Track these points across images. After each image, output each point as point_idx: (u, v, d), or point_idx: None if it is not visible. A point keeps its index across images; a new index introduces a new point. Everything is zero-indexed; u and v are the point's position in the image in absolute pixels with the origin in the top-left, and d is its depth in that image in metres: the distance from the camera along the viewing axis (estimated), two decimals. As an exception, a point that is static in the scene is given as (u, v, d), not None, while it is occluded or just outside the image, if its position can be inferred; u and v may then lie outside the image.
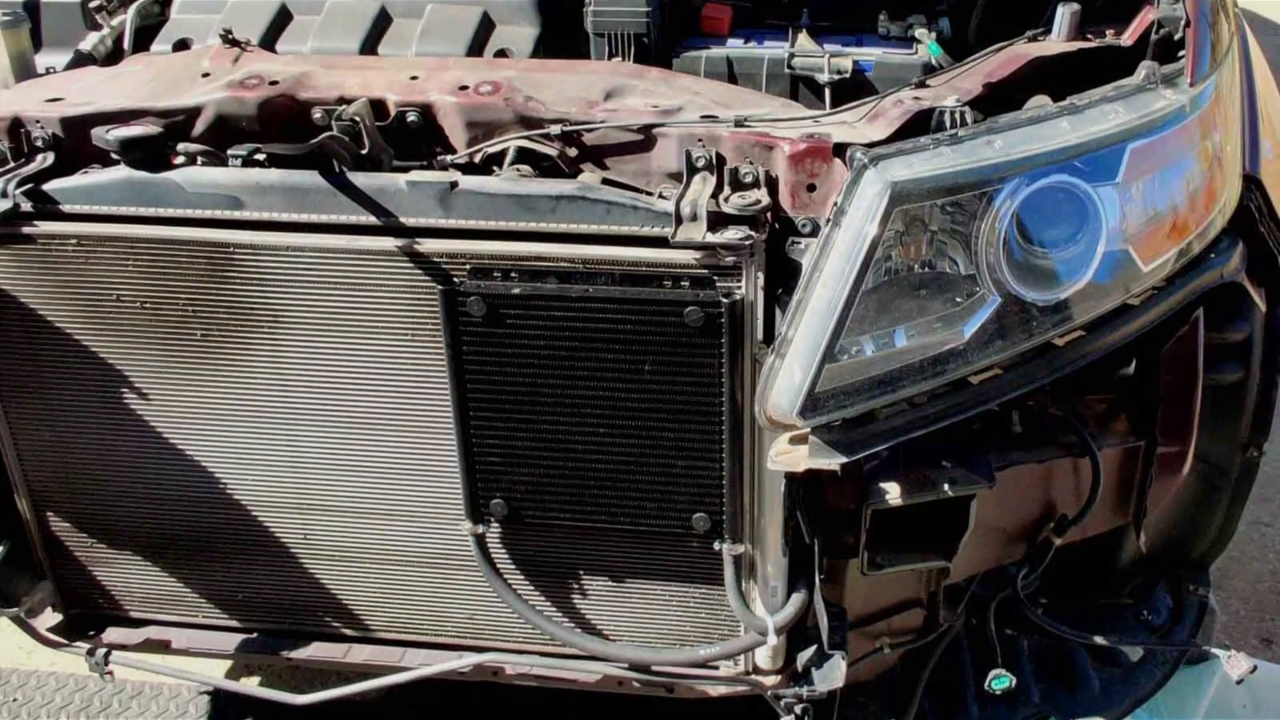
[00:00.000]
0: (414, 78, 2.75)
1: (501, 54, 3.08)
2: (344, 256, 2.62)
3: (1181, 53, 2.68)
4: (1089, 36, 2.89)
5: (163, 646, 3.22)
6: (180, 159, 2.68)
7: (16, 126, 2.74)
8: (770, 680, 2.93)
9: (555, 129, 2.63)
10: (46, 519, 3.10)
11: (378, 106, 2.68)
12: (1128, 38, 2.83)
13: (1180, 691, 3.36)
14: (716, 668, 2.98)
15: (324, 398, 2.80)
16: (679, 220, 2.42)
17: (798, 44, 3.13)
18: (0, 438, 2.98)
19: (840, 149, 2.46)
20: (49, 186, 2.67)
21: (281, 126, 2.72)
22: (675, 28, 3.22)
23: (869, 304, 2.35)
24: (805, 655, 2.88)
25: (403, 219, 2.57)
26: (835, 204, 2.37)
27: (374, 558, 3.02)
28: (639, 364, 2.59)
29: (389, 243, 2.58)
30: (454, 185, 2.54)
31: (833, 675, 2.82)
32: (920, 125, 2.53)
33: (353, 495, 2.92)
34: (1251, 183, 2.83)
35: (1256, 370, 2.93)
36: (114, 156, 2.65)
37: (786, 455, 2.47)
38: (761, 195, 2.45)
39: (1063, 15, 2.87)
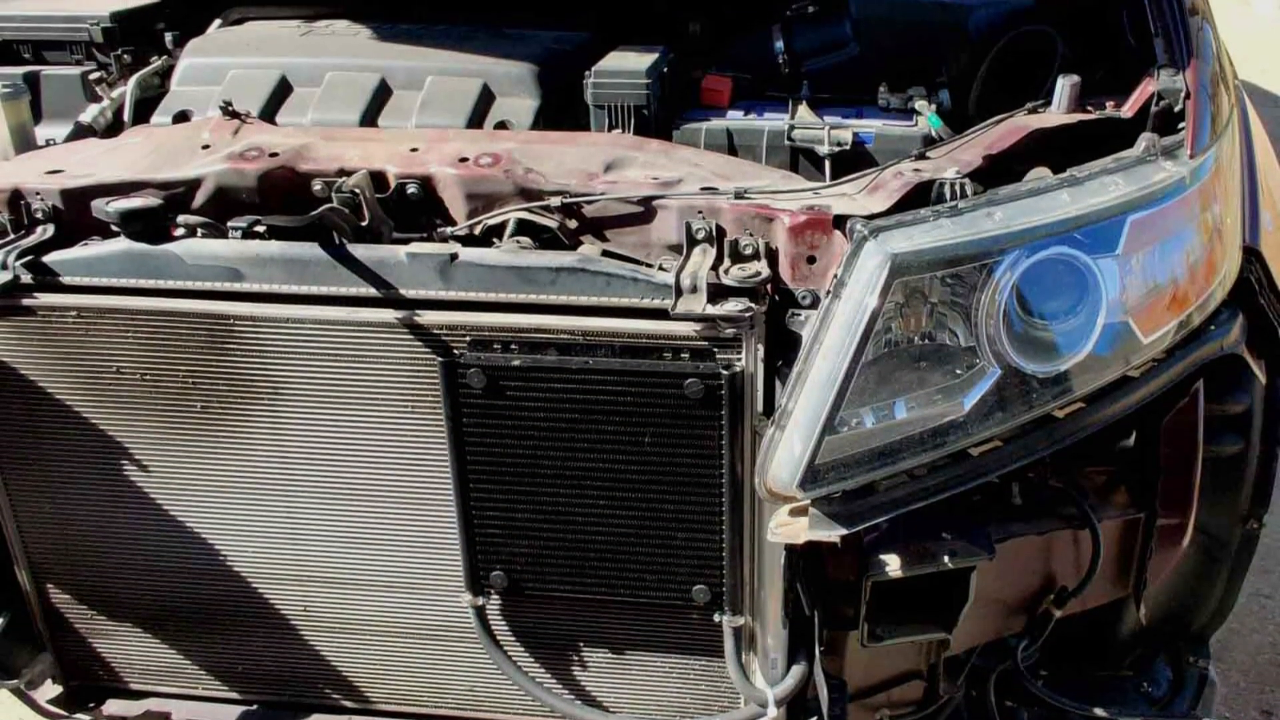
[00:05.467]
0: (414, 149, 2.76)
1: (501, 126, 3.09)
2: (344, 328, 2.62)
3: (1181, 125, 2.69)
4: (1089, 108, 2.90)
5: (163, 719, 3.20)
6: (180, 231, 2.68)
7: (17, 198, 2.75)
8: (770, 752, 2.92)
9: (555, 201, 2.63)
10: (46, 590, 3.09)
11: (378, 178, 2.69)
12: (1128, 109, 2.83)
13: (1180, 762, 3.35)
14: (716, 740, 2.96)
15: (324, 469, 2.80)
16: (679, 292, 2.42)
17: (798, 116, 3.14)
18: (0, 509, 2.97)
19: (840, 221, 2.46)
20: (49, 258, 2.67)
21: (282, 198, 2.73)
22: (675, 99, 3.23)
23: (869, 376, 2.35)
24: (805, 728, 2.86)
25: (403, 291, 2.57)
26: (835, 276, 2.38)
27: (374, 629, 3.01)
28: (639, 436, 2.59)
29: (389, 314, 2.59)
30: (454, 257, 2.54)
31: (833, 748, 2.81)
32: (920, 197, 2.54)
33: (353, 567, 2.91)
34: (1251, 254, 2.83)
35: (1256, 442, 2.92)
36: (114, 228, 2.65)
37: (786, 527, 2.46)
38: (761, 267, 2.46)
39: (1063, 87, 2.88)
